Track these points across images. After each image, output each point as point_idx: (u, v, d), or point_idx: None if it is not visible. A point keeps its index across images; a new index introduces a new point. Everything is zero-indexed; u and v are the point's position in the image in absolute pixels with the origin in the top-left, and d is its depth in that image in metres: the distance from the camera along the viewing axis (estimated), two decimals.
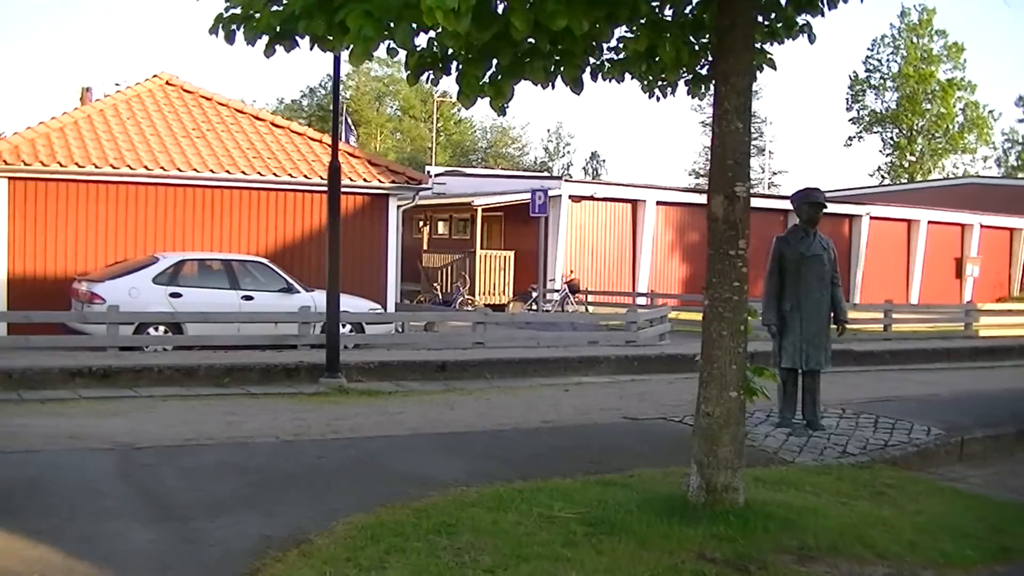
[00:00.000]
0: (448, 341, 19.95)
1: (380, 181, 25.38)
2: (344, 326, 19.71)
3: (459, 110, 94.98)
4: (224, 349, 16.65)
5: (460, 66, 6.85)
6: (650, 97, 8.78)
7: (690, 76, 8.71)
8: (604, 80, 8.20)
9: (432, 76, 7.08)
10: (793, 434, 10.20)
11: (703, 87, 8.57)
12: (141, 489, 7.59)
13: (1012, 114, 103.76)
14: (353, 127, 49.86)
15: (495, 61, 6.83)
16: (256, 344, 17.32)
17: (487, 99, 7.07)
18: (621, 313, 23.75)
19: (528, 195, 30.01)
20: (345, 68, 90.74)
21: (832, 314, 10.67)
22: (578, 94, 7.32)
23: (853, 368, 16.65)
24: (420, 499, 7.21)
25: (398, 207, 26.19)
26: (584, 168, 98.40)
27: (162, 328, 18.08)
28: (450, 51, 6.80)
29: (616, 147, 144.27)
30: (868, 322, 25.69)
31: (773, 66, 8.67)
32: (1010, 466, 10.22)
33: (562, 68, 7.09)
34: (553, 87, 7.39)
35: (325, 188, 24.56)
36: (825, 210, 10.72)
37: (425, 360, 15.48)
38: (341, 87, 68.39)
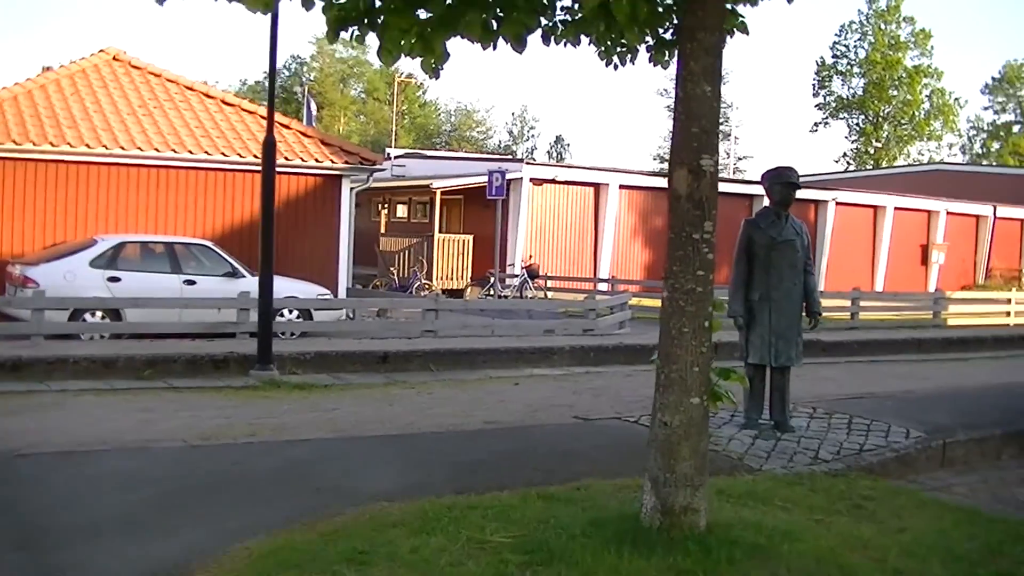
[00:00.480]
0: (398, 329, 18.98)
1: (333, 162, 24.52)
2: (291, 312, 19.22)
3: (424, 93, 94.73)
4: (163, 337, 15.62)
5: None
6: (607, 65, 7.90)
7: (653, 41, 7.82)
8: (558, 44, 7.32)
9: (357, 32, 6.10)
10: (760, 437, 9.27)
11: (667, 54, 7.64)
12: (16, 506, 6.59)
13: (978, 102, 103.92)
14: (315, 110, 48.74)
15: (426, 14, 5.91)
16: (195, 332, 16.36)
17: (419, 59, 6.17)
18: (580, 300, 22.79)
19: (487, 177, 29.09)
20: (309, 50, 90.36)
21: (804, 305, 9.76)
22: (520, 52, 6.37)
23: (822, 359, 15.72)
24: (335, 518, 6.25)
25: (351, 189, 25.29)
26: (548, 152, 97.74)
27: (99, 314, 17.06)
28: (377, 2, 5.86)
29: (581, 131, 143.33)
30: (835, 310, 24.86)
31: (745, 30, 7.79)
32: (997, 472, 9.35)
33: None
34: (494, 47, 6.47)
35: (277, 169, 23.96)
36: (799, 191, 9.79)
37: (366, 351, 14.41)
38: (305, 68, 66.95)
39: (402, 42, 6.01)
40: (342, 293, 24.34)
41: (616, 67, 7.94)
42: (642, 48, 7.89)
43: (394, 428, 9.57)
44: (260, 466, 7.74)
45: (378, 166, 26.15)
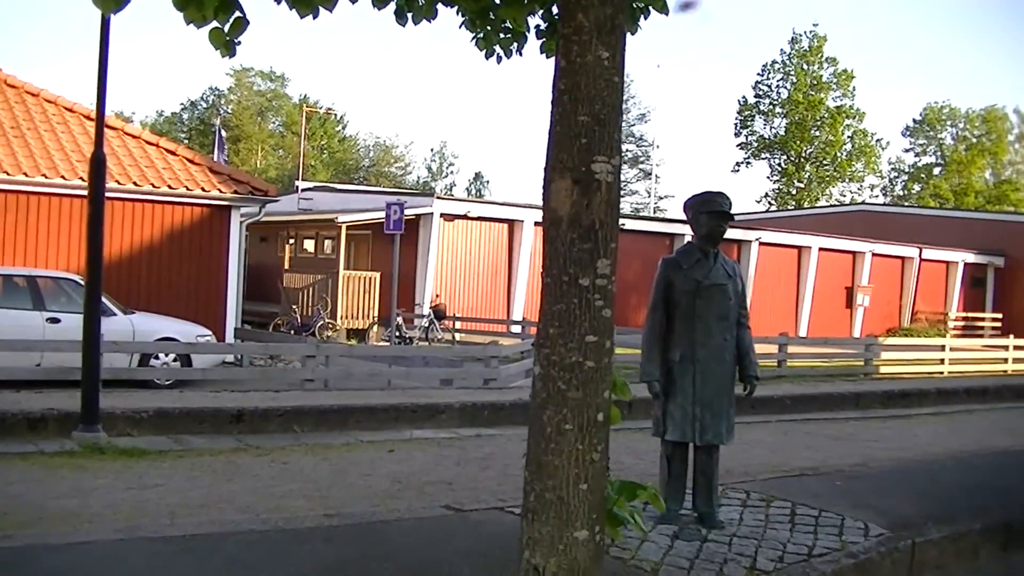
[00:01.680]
0: (273, 379, 16.77)
1: (221, 191, 22.75)
2: (167, 355, 17.75)
3: (344, 128, 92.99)
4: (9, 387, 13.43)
5: None
6: (488, 56, 6.14)
7: (545, 24, 5.99)
8: (416, 23, 5.55)
9: None
10: (681, 536, 7.16)
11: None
12: None
13: (899, 144, 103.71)
14: (224, 143, 47.12)
15: None
16: (42, 380, 14.32)
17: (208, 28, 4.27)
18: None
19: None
20: (227, 82, 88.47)
21: (737, 367, 7.70)
22: (330, 11, 4.43)
23: (749, 418, 13.77)
24: None
25: (242, 221, 23.41)
26: (467, 189, 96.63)
27: None
28: None
29: (501, 169, 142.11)
30: (761, 357, 22.97)
31: (664, 9, 5.98)
32: None
33: None
34: (315, 16, 4.61)
35: (158, 197, 22.01)
36: (732, 222, 7.75)
37: (218, 408, 12.07)
38: (223, 101, 66.06)
39: None
40: (229, 334, 22.48)
41: (500, 59, 6.19)
42: (531, 35, 6.15)
43: (213, 521, 7.37)
44: None
45: (271, 197, 24.36)
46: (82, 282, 17.61)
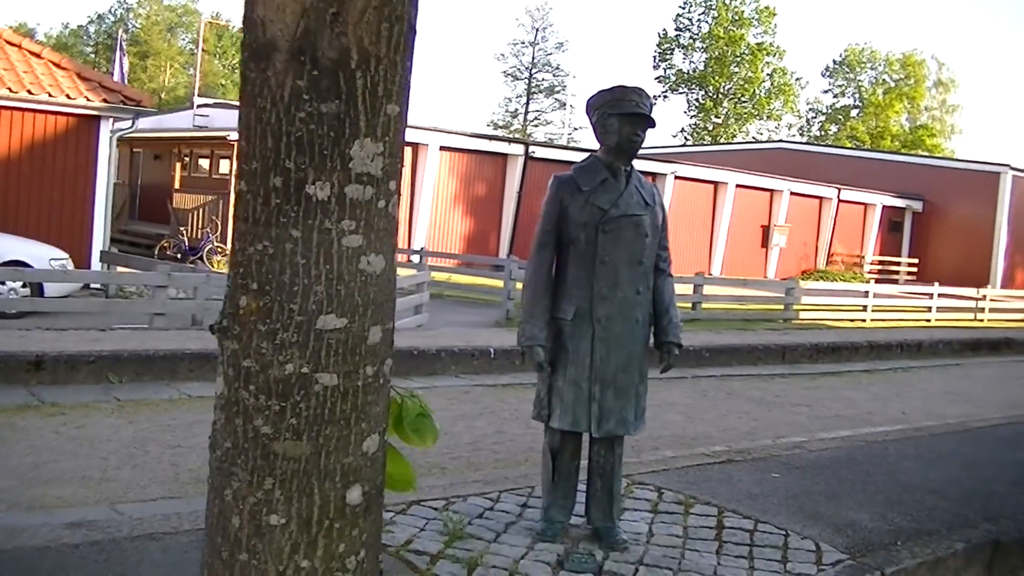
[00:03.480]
0: (117, 313, 14.48)
1: (88, 99, 20.25)
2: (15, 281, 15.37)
3: None
4: None
5: None
6: None
7: None
8: None
9: None
10: (567, 564, 5.06)
11: None
12: None
13: (818, 84, 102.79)
14: (126, 60, 44.53)
15: None
16: None
17: None
18: None
19: None
20: None
21: (653, 328, 5.61)
22: None
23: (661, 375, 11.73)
24: None
25: (112, 133, 21.08)
26: None
27: None
28: None
29: (419, 97, 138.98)
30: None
31: None
32: None
33: None
34: None
35: (14, 103, 19.56)
36: (652, 129, 5.61)
37: (10, 353, 9.70)
38: (131, 15, 63.60)
39: None
40: (95, 257, 20.30)
41: None
42: None
43: None
44: None
45: (144, 108, 22.00)
46: None
